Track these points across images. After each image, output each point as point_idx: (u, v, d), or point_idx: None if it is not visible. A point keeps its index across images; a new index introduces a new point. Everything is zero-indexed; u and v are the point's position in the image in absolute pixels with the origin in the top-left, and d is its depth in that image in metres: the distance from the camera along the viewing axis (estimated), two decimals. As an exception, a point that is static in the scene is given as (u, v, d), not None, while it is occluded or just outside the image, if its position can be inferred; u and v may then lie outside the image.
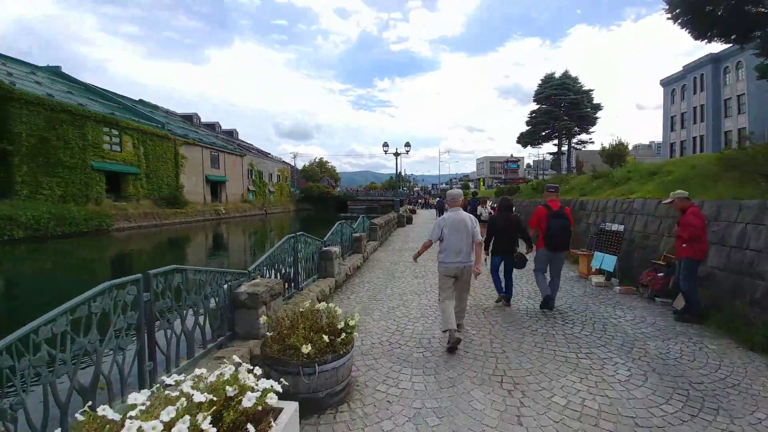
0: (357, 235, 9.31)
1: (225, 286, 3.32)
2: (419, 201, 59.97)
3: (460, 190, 4.77)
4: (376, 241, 12.22)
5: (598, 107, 41.25)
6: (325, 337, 2.69)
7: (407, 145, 22.78)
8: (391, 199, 67.95)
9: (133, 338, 2.41)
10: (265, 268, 4.22)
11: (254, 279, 3.77)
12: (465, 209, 5.42)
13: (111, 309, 2.15)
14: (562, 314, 5.25)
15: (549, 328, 4.72)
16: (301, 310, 3.00)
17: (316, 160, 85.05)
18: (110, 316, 2.16)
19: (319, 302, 5.60)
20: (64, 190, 23.41)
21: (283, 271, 4.75)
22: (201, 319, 2.99)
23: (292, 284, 5.10)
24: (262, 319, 3.03)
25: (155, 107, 47.50)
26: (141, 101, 46.14)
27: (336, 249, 6.66)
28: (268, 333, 2.76)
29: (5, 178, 20.33)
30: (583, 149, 43.11)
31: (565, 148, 42.87)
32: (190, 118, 53.54)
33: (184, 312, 2.79)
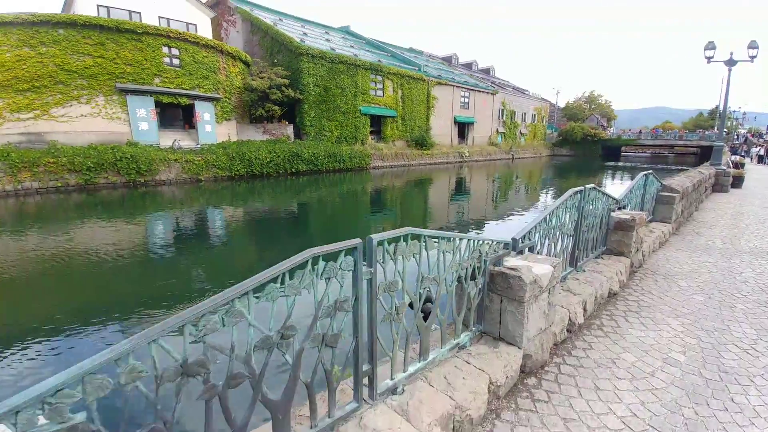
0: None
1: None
2: (754, 150, 38.72)
3: None
4: (669, 222, 6.69)
5: None
6: None
7: (753, 46, 12.51)
8: (697, 144, 47.39)
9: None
10: (537, 234, 3.00)
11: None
12: None
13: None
14: None
15: None
16: None
17: (585, 94, 69.45)
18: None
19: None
20: (340, 132, 27.78)
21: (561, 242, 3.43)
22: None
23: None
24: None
25: (419, 52, 49.98)
26: (410, 49, 49.55)
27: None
28: None
29: (300, 123, 25.73)
30: None
31: None
32: (449, 60, 53.74)
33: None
